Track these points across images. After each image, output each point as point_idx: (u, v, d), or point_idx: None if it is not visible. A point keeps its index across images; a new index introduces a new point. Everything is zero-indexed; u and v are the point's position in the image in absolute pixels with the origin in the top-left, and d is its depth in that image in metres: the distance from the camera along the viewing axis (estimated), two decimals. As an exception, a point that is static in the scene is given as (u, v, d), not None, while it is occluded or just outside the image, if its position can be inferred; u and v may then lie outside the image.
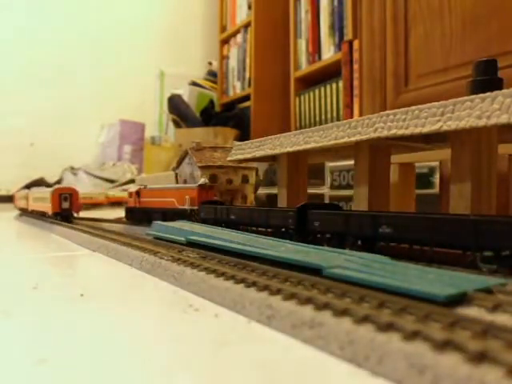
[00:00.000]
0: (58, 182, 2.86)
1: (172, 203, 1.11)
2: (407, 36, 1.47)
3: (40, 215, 1.53)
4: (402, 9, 1.48)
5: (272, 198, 1.36)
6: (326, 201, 1.20)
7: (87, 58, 3.20)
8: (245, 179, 1.18)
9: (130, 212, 1.35)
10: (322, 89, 2.10)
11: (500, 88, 0.50)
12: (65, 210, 1.33)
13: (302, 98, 2.23)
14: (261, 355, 0.33)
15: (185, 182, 1.23)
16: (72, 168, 2.99)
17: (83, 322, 0.42)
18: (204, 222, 0.92)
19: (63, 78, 3.11)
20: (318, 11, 2.12)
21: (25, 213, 1.83)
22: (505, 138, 0.62)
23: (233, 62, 2.88)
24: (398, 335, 0.30)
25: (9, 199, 2.65)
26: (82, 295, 0.51)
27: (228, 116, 2.69)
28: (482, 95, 0.50)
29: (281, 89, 2.50)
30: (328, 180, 1.20)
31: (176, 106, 2.81)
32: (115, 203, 2.44)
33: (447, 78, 1.32)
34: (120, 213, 1.61)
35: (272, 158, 0.93)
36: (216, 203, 0.96)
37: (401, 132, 0.59)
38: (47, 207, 1.38)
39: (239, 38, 2.80)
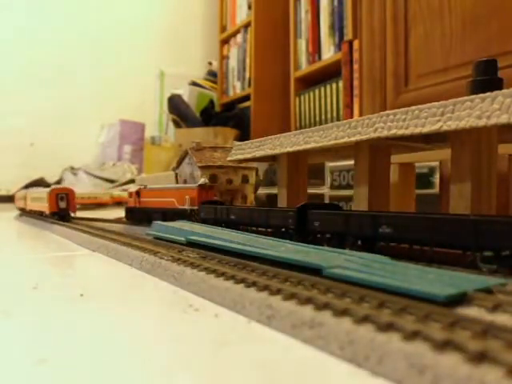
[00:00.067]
0: (58, 182, 2.86)
1: (172, 203, 1.11)
2: (407, 36, 1.47)
3: (38, 215, 1.54)
4: (402, 9, 1.48)
5: (272, 198, 1.36)
6: (326, 201, 1.20)
7: (87, 58, 3.20)
8: (245, 179, 1.18)
9: (130, 212, 1.35)
10: (322, 89, 2.10)
11: (500, 88, 0.50)
12: (62, 209, 1.35)
13: (302, 97, 2.23)
14: (261, 355, 0.33)
15: (185, 181, 1.23)
16: (72, 168, 2.99)
17: (83, 322, 0.42)
18: (204, 221, 0.92)
19: (63, 78, 3.11)
20: (318, 11, 2.12)
21: (24, 213, 1.83)
22: (505, 138, 0.62)
23: (233, 62, 2.88)
24: (397, 335, 0.30)
25: (9, 199, 2.65)
26: (81, 295, 0.51)
27: (228, 116, 2.69)
28: (481, 95, 0.50)
29: (281, 89, 2.50)
30: (328, 180, 1.20)
31: (176, 106, 2.81)
32: (120, 203, 2.44)
33: (447, 77, 1.32)
34: (120, 213, 1.61)
35: (272, 158, 0.93)
36: (216, 203, 0.96)
37: (401, 132, 0.59)
38: (45, 207, 1.41)
39: (239, 38, 2.80)
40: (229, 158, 0.98)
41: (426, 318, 0.32)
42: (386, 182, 0.73)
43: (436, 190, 0.94)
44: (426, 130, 0.55)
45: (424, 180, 0.95)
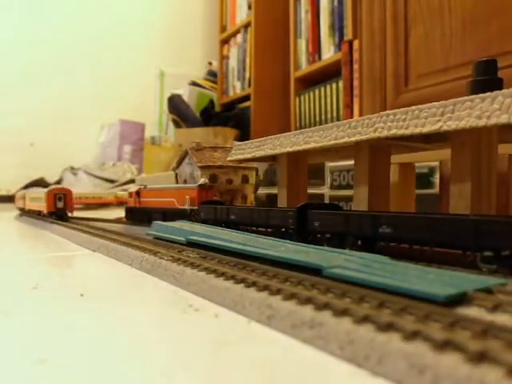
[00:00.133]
0: (58, 182, 2.86)
1: (172, 203, 1.11)
2: (407, 36, 1.47)
3: (37, 214, 1.56)
4: (402, 9, 1.48)
5: (272, 198, 1.36)
6: (326, 201, 1.20)
7: (87, 58, 3.20)
8: (245, 179, 1.18)
9: (130, 212, 1.35)
10: (322, 89, 2.10)
11: (500, 88, 0.50)
12: (59, 209, 1.38)
13: (302, 97, 2.23)
14: (261, 355, 0.33)
15: (185, 181, 1.23)
16: (72, 168, 2.99)
17: (83, 322, 0.42)
18: (204, 222, 0.92)
19: (63, 78, 3.12)
20: (318, 11, 2.12)
21: (24, 212, 1.83)
22: (505, 138, 0.62)
23: (233, 62, 2.88)
24: (397, 335, 0.30)
25: (9, 199, 2.65)
26: (82, 295, 0.51)
27: (228, 116, 2.69)
28: (481, 95, 0.50)
29: (281, 89, 2.50)
30: (328, 180, 1.20)
31: (176, 106, 2.81)
32: (125, 203, 2.46)
33: (447, 77, 1.32)
34: (120, 213, 1.61)
35: (272, 158, 0.93)
36: (216, 203, 0.96)
37: (401, 132, 0.59)
38: (43, 207, 1.43)
39: (239, 38, 2.80)
40: (229, 158, 0.98)
41: (426, 318, 0.32)
42: (386, 182, 0.73)
43: (436, 190, 0.94)
44: (426, 129, 0.55)
45: (424, 180, 0.95)
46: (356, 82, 1.78)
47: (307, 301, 0.38)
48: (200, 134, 2.40)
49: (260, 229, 0.80)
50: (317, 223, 0.65)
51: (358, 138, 0.65)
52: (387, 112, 0.61)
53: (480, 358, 0.25)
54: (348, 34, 1.90)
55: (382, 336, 0.30)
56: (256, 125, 2.53)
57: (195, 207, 1.01)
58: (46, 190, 1.43)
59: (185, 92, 2.96)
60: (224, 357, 0.33)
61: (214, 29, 3.13)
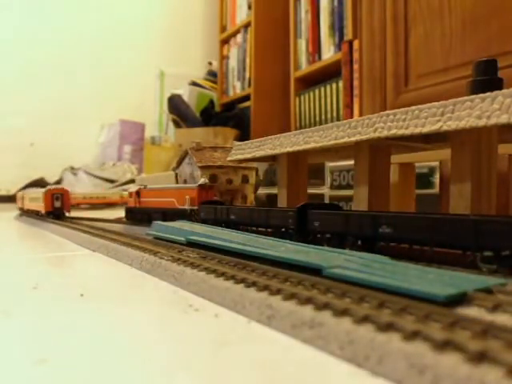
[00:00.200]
0: (58, 182, 2.87)
1: (172, 203, 1.11)
2: (407, 36, 1.47)
3: (35, 214, 1.59)
4: (402, 9, 1.48)
5: (272, 198, 1.36)
6: (326, 201, 1.20)
7: (87, 58, 3.20)
8: (245, 179, 1.18)
9: (130, 212, 1.35)
10: (322, 89, 2.10)
11: (500, 88, 0.50)
12: (57, 208, 1.42)
13: (302, 97, 2.23)
14: (261, 355, 0.33)
15: (185, 181, 1.23)
16: (72, 168, 2.99)
17: (83, 322, 0.42)
18: (204, 222, 0.92)
19: (63, 78, 3.12)
20: (318, 11, 2.12)
21: (24, 212, 1.84)
22: (505, 138, 0.62)
23: (233, 62, 2.88)
24: (398, 335, 0.30)
25: (9, 199, 2.66)
26: (82, 295, 0.51)
27: (228, 116, 2.69)
28: (481, 95, 0.50)
29: (281, 89, 2.50)
30: (328, 180, 1.20)
31: (176, 106, 2.81)
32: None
33: (447, 77, 1.32)
34: (120, 213, 1.61)
35: (272, 158, 0.93)
36: (216, 203, 0.96)
37: (401, 132, 0.59)
38: (41, 206, 1.46)
39: (239, 38, 2.80)
40: (229, 158, 0.98)
41: (426, 318, 0.32)
42: (386, 182, 0.73)
43: (436, 190, 0.94)
44: (426, 129, 0.55)
45: (424, 180, 0.95)
46: (356, 82, 1.78)
47: (307, 301, 0.38)
48: (200, 134, 2.40)
49: (260, 229, 0.80)
50: (317, 223, 0.65)
51: (358, 138, 0.65)
52: (387, 112, 0.61)
53: (480, 357, 0.25)
54: (348, 34, 1.90)
55: (382, 336, 0.30)
56: (256, 125, 2.53)
57: (195, 207, 1.01)
58: (43, 190, 1.46)
59: (185, 92, 2.97)
60: (224, 357, 0.33)
61: (214, 29, 3.13)
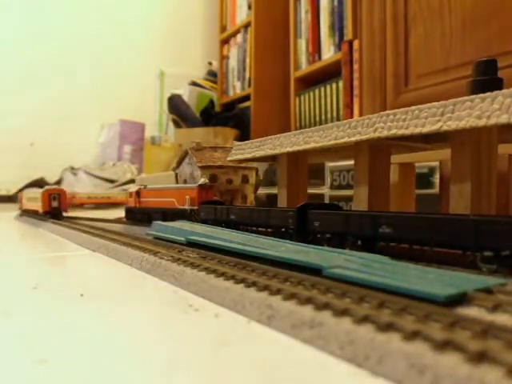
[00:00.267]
0: (58, 182, 2.87)
1: (172, 203, 1.11)
2: (407, 36, 1.47)
3: (34, 214, 1.61)
4: (402, 9, 1.48)
5: (272, 198, 1.36)
6: (326, 201, 1.20)
7: (87, 58, 3.20)
8: (245, 179, 1.18)
9: (130, 212, 1.35)
10: (322, 89, 2.10)
11: (500, 88, 0.50)
12: (54, 208, 1.45)
13: (302, 97, 2.23)
14: (261, 355, 0.33)
15: (185, 181, 1.23)
16: (72, 168, 2.99)
17: (83, 322, 0.42)
18: (204, 222, 0.92)
19: (63, 78, 3.12)
20: (318, 11, 2.12)
21: (24, 212, 1.84)
22: (505, 138, 0.62)
23: (233, 62, 2.88)
24: (398, 335, 0.30)
25: (9, 199, 2.66)
26: (82, 295, 0.51)
27: (228, 116, 2.69)
28: (481, 95, 0.50)
29: (281, 89, 2.50)
30: (328, 180, 1.20)
31: (176, 106, 2.81)
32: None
33: (447, 77, 1.32)
34: (120, 213, 1.61)
35: (272, 158, 0.93)
36: (216, 203, 0.96)
37: (401, 132, 0.59)
38: (38, 206, 1.49)
39: (239, 38, 2.80)
40: (229, 158, 0.98)
41: (426, 318, 0.32)
42: (386, 182, 0.73)
43: (436, 190, 0.94)
44: (426, 129, 0.55)
45: (424, 180, 0.95)
46: (356, 82, 1.78)
47: (307, 301, 0.38)
48: (200, 134, 2.40)
49: (260, 229, 0.80)
50: (317, 223, 0.65)
51: (358, 137, 0.65)
52: (387, 112, 0.61)
53: (480, 357, 0.25)
54: (348, 34, 1.90)
55: (382, 336, 0.30)
56: (256, 125, 2.53)
57: (195, 207, 1.01)
58: (41, 190, 1.49)
59: (185, 92, 2.97)
60: (224, 357, 0.33)
61: (214, 29, 3.13)
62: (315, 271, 0.44)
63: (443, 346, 0.27)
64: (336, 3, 2.00)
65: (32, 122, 3.00)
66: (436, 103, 0.55)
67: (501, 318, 0.32)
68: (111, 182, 2.88)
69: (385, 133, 0.61)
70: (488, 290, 0.38)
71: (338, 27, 2.00)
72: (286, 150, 0.79)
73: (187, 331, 0.39)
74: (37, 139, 3.04)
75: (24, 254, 0.89)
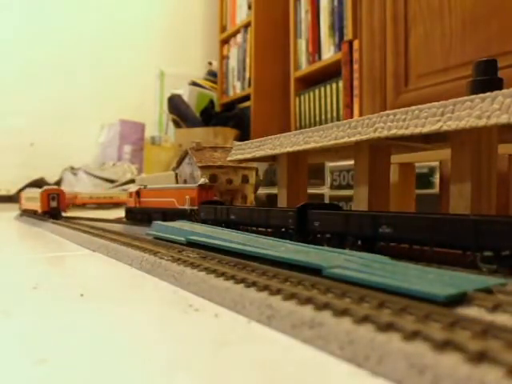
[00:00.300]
0: (58, 182, 2.87)
1: (172, 203, 1.11)
2: (407, 36, 1.47)
3: (33, 214, 1.63)
4: (402, 9, 1.48)
5: (272, 198, 1.36)
6: (326, 201, 1.20)
7: (87, 58, 3.20)
8: (245, 179, 1.18)
9: (130, 212, 1.35)
10: (322, 89, 2.10)
11: (500, 88, 0.50)
12: (53, 208, 1.46)
13: (302, 97, 2.23)
14: (261, 355, 0.33)
15: (185, 181, 1.23)
16: (72, 168, 2.99)
17: (83, 322, 0.42)
18: (204, 222, 0.92)
19: (63, 78, 3.12)
20: (318, 11, 2.12)
21: (24, 212, 1.84)
22: (505, 138, 0.62)
23: (233, 62, 2.88)
24: (398, 335, 0.30)
25: (9, 199, 2.66)
26: (82, 295, 0.51)
27: (228, 116, 2.69)
28: (481, 95, 0.50)
29: (281, 89, 2.50)
30: (328, 180, 1.20)
31: (176, 106, 2.81)
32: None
33: (447, 77, 1.32)
34: (120, 213, 1.61)
35: (272, 158, 0.93)
36: (216, 203, 0.96)
37: (401, 132, 0.59)
38: (37, 206, 1.51)
39: (239, 37, 2.80)
40: (229, 158, 0.98)
41: (426, 318, 0.32)
42: (386, 182, 0.73)
43: (436, 190, 0.94)
44: (426, 129, 0.55)
45: (424, 180, 0.95)
46: (356, 82, 1.78)
47: (307, 301, 0.38)
48: (200, 134, 2.40)
49: (260, 229, 0.80)
50: (317, 223, 0.65)
51: (358, 137, 0.65)
52: (387, 112, 0.61)
53: (480, 358, 0.25)
54: (348, 34, 1.90)
55: (382, 336, 0.30)
56: (256, 125, 2.53)
57: (195, 207, 1.01)
58: (40, 190, 1.51)
59: (185, 92, 2.97)
60: (224, 357, 0.33)
61: (214, 29, 3.13)
62: (315, 271, 0.44)
63: (443, 345, 0.27)
64: (336, 3, 2.00)
65: (32, 121, 3.00)
66: (436, 103, 0.55)
67: (501, 318, 0.32)
68: (111, 181, 2.88)
69: (385, 133, 0.61)
70: (488, 290, 0.38)
71: (338, 27, 2.00)
72: (286, 150, 0.79)
73: (187, 331, 0.39)
74: (37, 139, 3.04)
75: (24, 254, 0.89)
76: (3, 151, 2.90)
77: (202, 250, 0.63)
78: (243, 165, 1.14)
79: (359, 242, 0.59)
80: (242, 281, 0.46)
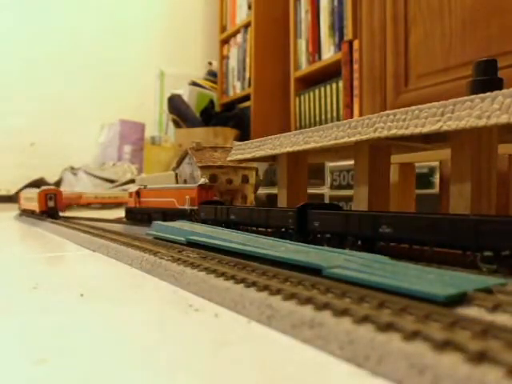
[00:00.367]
0: (58, 182, 2.87)
1: (172, 203, 1.11)
2: (407, 36, 1.47)
3: (31, 213, 1.66)
4: (402, 9, 1.48)
5: (272, 198, 1.36)
6: (326, 201, 1.20)
7: (87, 58, 3.20)
8: (245, 179, 1.18)
9: (130, 212, 1.35)
10: (322, 89, 2.10)
11: (500, 88, 0.50)
12: (50, 208, 1.50)
13: (302, 97, 2.23)
14: (261, 355, 0.33)
15: (185, 182, 1.23)
16: (72, 168, 2.99)
17: (83, 322, 0.42)
18: (204, 222, 0.92)
19: (63, 78, 3.12)
20: (318, 11, 2.12)
21: (23, 212, 1.85)
22: (505, 138, 0.63)
23: (233, 62, 2.88)
24: (398, 335, 0.30)
25: (9, 199, 2.66)
26: (82, 295, 0.51)
27: (228, 116, 2.69)
28: (481, 95, 0.50)
29: (281, 89, 2.50)
30: (328, 180, 1.20)
31: (176, 105, 2.81)
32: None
33: (447, 77, 1.32)
34: (120, 213, 1.61)
35: (272, 158, 0.93)
36: (216, 203, 0.96)
37: (401, 132, 0.59)
38: (35, 206, 1.54)
39: (239, 38, 2.80)
40: (229, 158, 0.98)
41: (426, 318, 0.32)
42: (386, 182, 0.73)
43: (436, 190, 0.94)
44: (426, 129, 0.55)
45: (424, 180, 0.95)
46: (356, 82, 1.78)
47: (307, 301, 0.38)
48: (200, 134, 2.40)
49: (260, 229, 0.80)
50: (317, 223, 0.65)
51: (358, 137, 0.65)
52: (387, 112, 0.61)
53: (480, 357, 0.25)
54: (348, 34, 1.90)
55: (382, 336, 0.30)
56: (256, 125, 2.53)
57: (195, 207, 1.01)
58: (37, 190, 1.54)
59: (185, 92, 2.97)
60: (224, 357, 0.33)
61: (214, 29, 3.13)
62: (315, 271, 0.44)
63: (443, 345, 0.27)
64: (336, 3, 2.00)
65: (32, 121, 3.00)
66: (436, 103, 0.55)
67: (501, 318, 0.32)
68: (111, 182, 2.88)
69: (385, 133, 0.61)
70: (488, 290, 0.38)
71: (338, 27, 2.00)
72: (286, 150, 0.79)
73: (187, 331, 0.39)
74: (37, 139, 3.04)
75: (24, 254, 0.89)
76: (3, 151, 2.90)
77: (202, 250, 0.63)
78: (243, 165, 1.14)
79: (359, 242, 0.59)
80: (242, 281, 0.46)
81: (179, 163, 1.26)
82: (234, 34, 2.86)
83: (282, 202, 0.89)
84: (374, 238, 0.57)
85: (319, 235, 0.66)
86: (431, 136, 0.61)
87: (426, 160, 0.92)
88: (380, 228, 0.55)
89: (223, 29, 2.99)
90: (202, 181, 1.05)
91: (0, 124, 2.90)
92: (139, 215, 1.29)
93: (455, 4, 1.32)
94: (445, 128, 0.53)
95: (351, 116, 1.79)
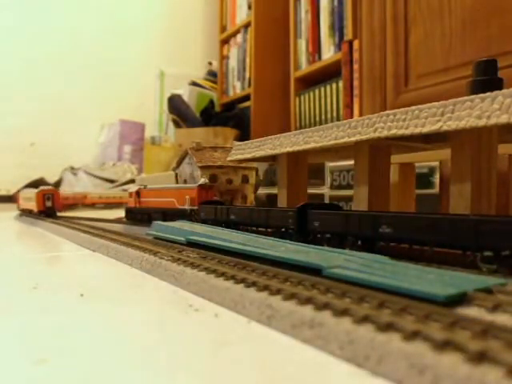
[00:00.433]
0: (58, 182, 2.87)
1: (172, 203, 1.11)
2: (407, 36, 1.47)
3: (29, 213, 1.70)
4: (402, 9, 1.48)
5: (272, 198, 1.36)
6: (326, 201, 1.20)
7: (87, 58, 3.20)
8: (245, 179, 1.18)
9: (130, 212, 1.35)
10: (322, 89, 2.10)
11: (500, 88, 0.50)
12: (48, 208, 1.53)
13: (302, 97, 2.23)
14: (261, 355, 0.33)
15: (185, 182, 1.23)
16: (72, 168, 2.99)
17: (83, 322, 0.42)
18: (204, 222, 0.92)
19: (63, 78, 3.12)
20: (318, 11, 2.12)
21: (22, 212, 1.85)
22: (505, 138, 0.63)
23: (233, 62, 2.88)
24: (398, 335, 0.30)
25: (9, 199, 2.66)
26: (82, 295, 0.51)
27: (228, 116, 2.69)
28: (481, 95, 0.50)
29: (281, 89, 2.50)
30: (328, 180, 1.20)
31: (176, 105, 2.81)
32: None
33: (447, 77, 1.32)
34: (120, 213, 1.61)
35: (272, 158, 0.93)
36: (216, 203, 0.96)
37: (401, 132, 0.59)
38: (33, 206, 1.58)
39: (239, 38, 2.80)
40: (229, 158, 0.98)
41: (426, 318, 0.32)
42: (386, 182, 0.73)
43: (436, 190, 0.94)
44: (426, 129, 0.55)
45: (424, 180, 0.95)
46: (356, 82, 1.78)
47: (307, 301, 0.38)
48: (200, 134, 2.40)
49: (260, 229, 0.80)
50: (317, 223, 0.65)
51: (358, 137, 0.65)
52: (387, 112, 0.61)
53: (480, 357, 0.25)
54: (348, 34, 1.90)
55: (382, 336, 0.30)
56: (256, 125, 2.53)
57: (195, 207, 1.01)
58: (35, 190, 1.58)
59: (185, 92, 2.97)
60: (224, 357, 0.33)
61: (214, 29, 3.13)
62: (315, 271, 0.44)
63: (443, 345, 0.27)
64: (336, 3, 2.00)
65: (32, 121, 3.00)
66: (436, 103, 0.55)
67: (501, 318, 0.32)
68: (111, 182, 2.88)
69: (385, 133, 0.61)
70: (488, 290, 0.38)
71: (338, 27, 2.00)
72: (286, 149, 0.79)
73: (187, 331, 0.39)
74: (37, 139, 3.04)
75: (24, 254, 0.89)
76: (3, 151, 2.90)
77: (202, 250, 0.63)
78: (243, 165, 1.14)
79: (359, 242, 0.59)
80: (242, 281, 0.46)
81: (179, 163, 1.26)
82: (234, 34, 2.86)
83: (282, 202, 0.89)
84: (374, 238, 0.57)
85: (319, 235, 0.66)
86: (431, 136, 0.61)
87: (426, 160, 0.92)
88: (380, 228, 0.55)
89: (223, 29, 2.99)
90: (202, 181, 1.05)
91: (0, 124, 2.90)
92: (139, 215, 1.29)
93: (455, 4, 1.32)
94: (445, 128, 0.53)
95: (351, 116, 1.79)
